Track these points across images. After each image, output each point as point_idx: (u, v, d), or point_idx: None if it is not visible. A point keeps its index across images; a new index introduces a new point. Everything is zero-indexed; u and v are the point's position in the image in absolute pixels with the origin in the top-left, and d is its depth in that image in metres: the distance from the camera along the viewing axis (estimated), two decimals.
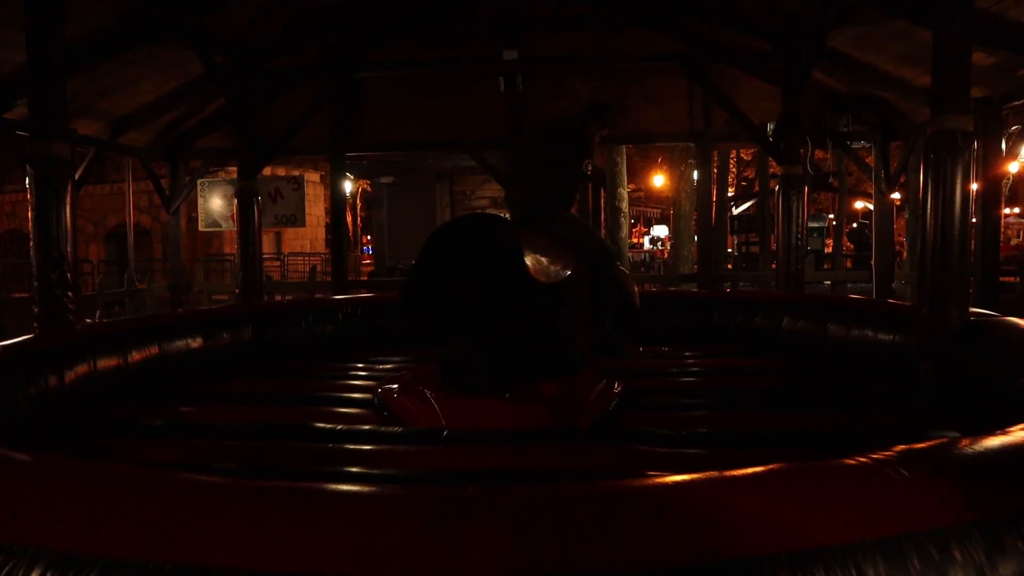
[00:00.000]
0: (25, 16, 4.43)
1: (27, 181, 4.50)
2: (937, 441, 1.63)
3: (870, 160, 8.31)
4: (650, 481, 1.42)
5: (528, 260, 3.71)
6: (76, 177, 5.17)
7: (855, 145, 8.09)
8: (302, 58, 7.77)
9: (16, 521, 1.36)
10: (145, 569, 1.22)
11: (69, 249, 4.48)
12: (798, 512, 1.28)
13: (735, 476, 1.41)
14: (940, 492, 1.35)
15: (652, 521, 1.25)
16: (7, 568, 1.27)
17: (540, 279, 3.73)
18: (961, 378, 3.64)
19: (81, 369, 3.79)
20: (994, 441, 1.60)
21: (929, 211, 3.77)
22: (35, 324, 4.52)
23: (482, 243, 3.71)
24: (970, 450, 1.54)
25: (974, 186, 3.78)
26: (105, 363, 4.00)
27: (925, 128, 3.87)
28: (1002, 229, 7.62)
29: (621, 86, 8.09)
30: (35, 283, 4.48)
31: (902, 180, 10.31)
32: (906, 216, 15.45)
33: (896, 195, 10.71)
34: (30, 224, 4.50)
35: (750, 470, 1.44)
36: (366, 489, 1.45)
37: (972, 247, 5.00)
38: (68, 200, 4.48)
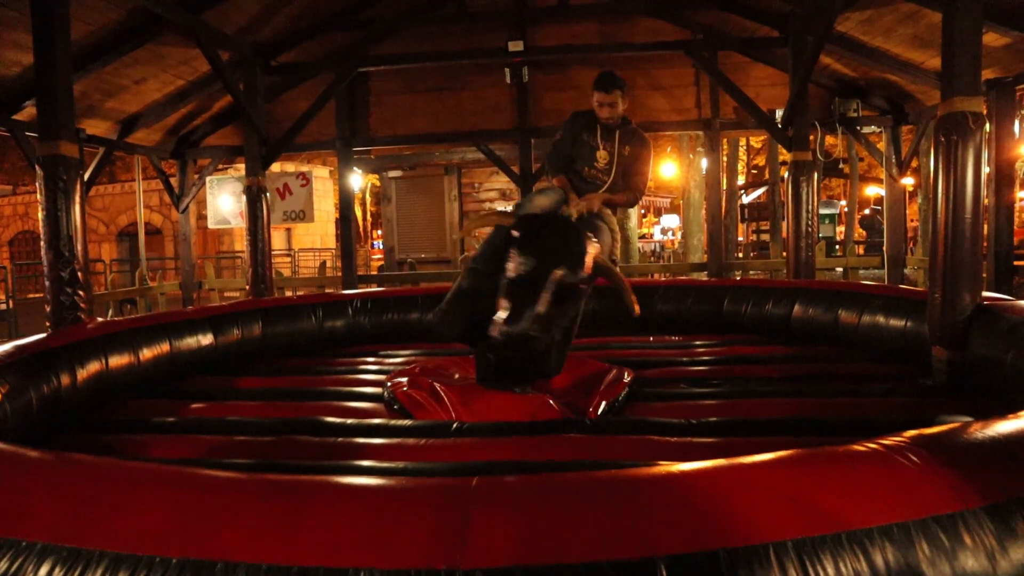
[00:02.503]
0: (31, 17, 4.45)
1: (37, 182, 4.51)
2: (948, 426, 1.62)
3: (881, 145, 8.23)
4: (652, 470, 1.42)
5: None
6: (85, 177, 5.21)
7: (865, 130, 8.01)
8: (307, 53, 7.77)
9: (27, 517, 1.38)
10: (152, 563, 1.23)
11: (79, 248, 4.50)
12: (806, 499, 1.27)
13: (743, 464, 1.40)
14: (950, 477, 1.34)
15: (655, 510, 1.24)
16: (17, 564, 1.28)
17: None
18: (974, 363, 3.61)
19: (93, 367, 3.82)
20: (1005, 425, 1.58)
21: (940, 195, 3.73)
22: (47, 323, 4.55)
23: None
24: (981, 435, 1.53)
25: (986, 169, 3.72)
26: (117, 361, 4.03)
27: (936, 111, 3.82)
28: (1016, 212, 7.53)
29: (628, 75, 7.91)
30: (46, 282, 4.51)
31: (914, 165, 10.22)
32: (919, 201, 15.33)
33: (909, 180, 10.62)
34: (41, 224, 4.53)
35: (758, 458, 1.43)
36: (373, 482, 1.45)
37: (985, 231, 4.94)
38: (77, 199, 4.50)
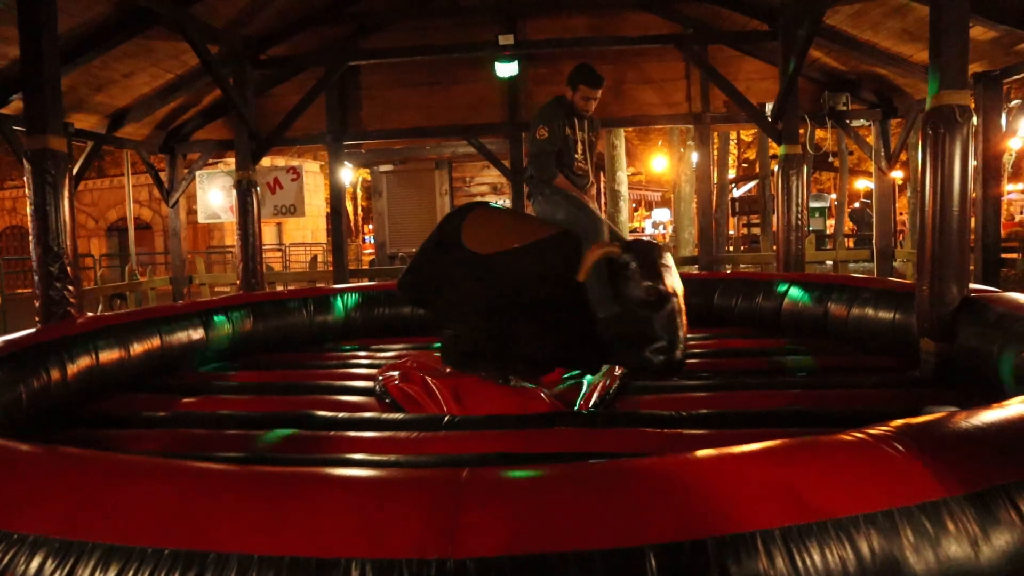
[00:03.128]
0: (17, 10, 4.41)
1: (25, 176, 4.48)
2: (932, 416, 1.64)
3: (870, 139, 8.27)
4: (640, 460, 1.43)
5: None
6: (74, 171, 5.18)
7: (855, 123, 8.05)
8: (297, 47, 7.73)
9: (19, 510, 1.38)
10: (144, 555, 1.23)
11: (69, 243, 4.48)
12: (792, 488, 1.28)
13: (731, 454, 1.41)
14: (934, 466, 1.35)
15: (642, 499, 1.25)
16: (9, 555, 1.28)
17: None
18: (961, 354, 3.64)
19: (83, 362, 3.81)
20: (989, 415, 1.60)
21: (928, 188, 3.76)
22: (36, 318, 4.52)
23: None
24: (965, 424, 1.55)
25: (973, 162, 3.73)
26: (107, 356, 4.02)
27: (924, 105, 3.85)
28: (1005, 206, 7.57)
29: (618, 69, 8.04)
30: (35, 277, 4.49)
31: (903, 158, 10.26)
32: (908, 194, 15.38)
33: (898, 173, 10.67)
34: (29, 219, 4.50)
35: (746, 448, 1.44)
36: (364, 474, 1.46)
37: (972, 223, 4.98)
38: (66, 194, 4.48)
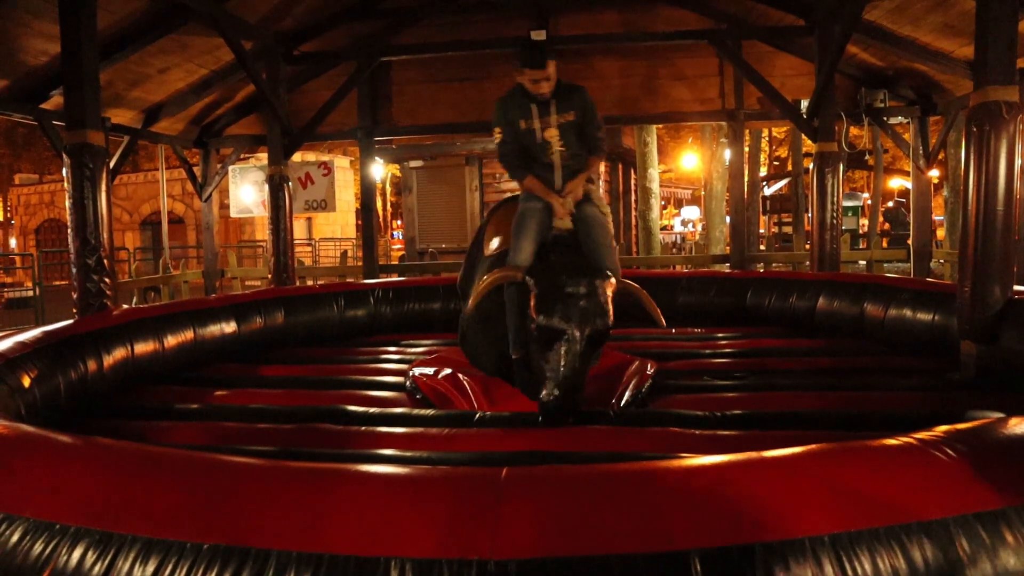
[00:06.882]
0: (58, 6, 4.48)
1: (64, 170, 4.56)
2: (983, 421, 1.58)
3: (907, 136, 8.10)
4: (685, 463, 1.40)
5: None
6: (111, 165, 5.24)
7: (892, 121, 7.89)
8: (330, 43, 7.76)
9: (58, 501, 1.39)
10: (183, 548, 1.23)
11: (105, 236, 4.54)
12: (841, 493, 1.25)
13: (777, 457, 1.37)
14: (989, 473, 1.31)
15: (688, 503, 1.23)
16: (51, 546, 1.29)
17: None
18: (1004, 358, 3.55)
19: (119, 354, 3.86)
20: None
21: (971, 186, 3.67)
22: (74, 310, 4.59)
23: None
24: (1019, 430, 1.49)
25: (1019, 160, 3.64)
26: (142, 348, 4.07)
27: (966, 102, 3.75)
28: None
29: (651, 65, 7.96)
30: (73, 269, 4.56)
31: (940, 157, 10.03)
32: (944, 194, 15.08)
33: (934, 172, 10.44)
34: (67, 212, 4.58)
35: (792, 451, 1.41)
36: (403, 471, 1.45)
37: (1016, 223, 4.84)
38: (104, 188, 4.54)
